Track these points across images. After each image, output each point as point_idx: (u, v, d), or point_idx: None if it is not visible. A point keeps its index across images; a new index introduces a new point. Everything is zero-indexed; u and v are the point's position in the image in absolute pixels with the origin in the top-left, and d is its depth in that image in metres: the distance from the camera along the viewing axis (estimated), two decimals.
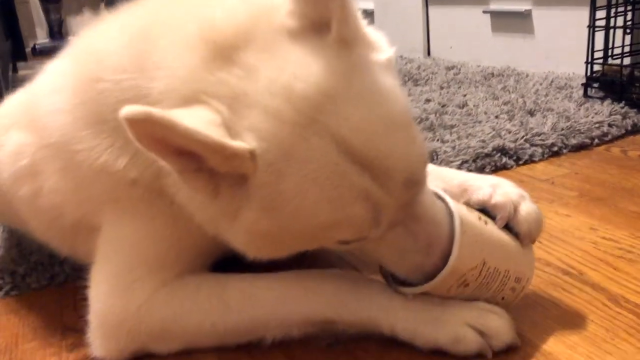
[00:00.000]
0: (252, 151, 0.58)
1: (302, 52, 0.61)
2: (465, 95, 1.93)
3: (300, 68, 0.60)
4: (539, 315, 0.79)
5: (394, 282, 0.73)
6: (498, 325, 0.71)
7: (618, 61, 1.71)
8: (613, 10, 1.69)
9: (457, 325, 0.71)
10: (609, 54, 1.73)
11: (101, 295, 0.76)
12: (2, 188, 0.90)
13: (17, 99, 0.97)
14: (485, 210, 0.76)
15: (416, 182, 0.65)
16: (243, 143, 0.58)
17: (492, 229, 0.73)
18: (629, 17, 1.70)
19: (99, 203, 0.77)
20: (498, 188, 0.76)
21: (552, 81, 2.00)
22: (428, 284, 0.69)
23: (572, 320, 0.77)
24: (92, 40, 0.78)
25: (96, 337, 0.76)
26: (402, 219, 0.66)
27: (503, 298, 0.74)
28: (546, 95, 1.82)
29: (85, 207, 0.79)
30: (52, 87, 0.80)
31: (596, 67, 1.76)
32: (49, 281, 0.99)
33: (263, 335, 0.75)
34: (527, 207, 0.76)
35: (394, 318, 0.72)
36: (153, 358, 0.76)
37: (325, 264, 0.90)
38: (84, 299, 0.80)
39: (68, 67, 0.79)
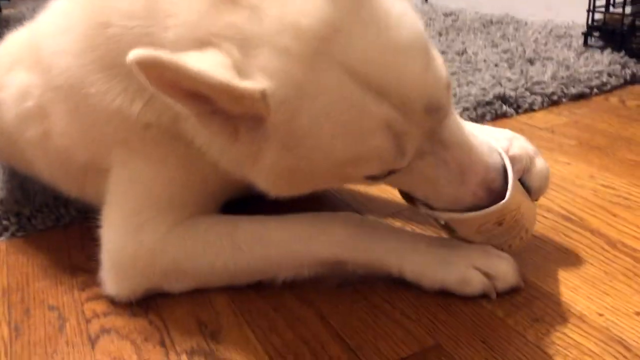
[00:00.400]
0: (263, 91, 0.57)
1: None
2: (464, 43, 1.91)
3: (304, 3, 0.59)
4: (541, 259, 0.81)
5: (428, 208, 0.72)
6: (503, 268, 0.73)
7: (619, 10, 1.70)
8: None
9: (464, 267, 0.73)
10: (611, 2, 1.71)
11: (113, 236, 0.77)
12: (7, 129, 0.89)
13: (18, 38, 0.95)
14: None
15: (438, 107, 0.63)
16: (253, 83, 0.58)
17: None
18: None
19: (109, 144, 0.77)
20: (515, 140, 0.77)
21: (551, 30, 1.98)
22: (476, 213, 0.68)
23: (572, 264, 0.79)
24: None
25: (109, 276, 0.77)
26: (431, 147, 0.65)
27: (510, 246, 0.75)
28: (545, 44, 1.81)
29: (94, 148, 0.79)
30: (57, 28, 0.78)
31: (597, 16, 1.74)
32: (54, 222, 1.00)
33: (274, 275, 0.77)
34: (540, 164, 0.77)
35: (403, 260, 0.74)
36: (166, 297, 0.78)
37: (334, 207, 0.91)
38: (91, 240, 0.81)
39: (76, 9, 0.77)
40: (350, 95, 0.59)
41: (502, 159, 0.70)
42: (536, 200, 0.79)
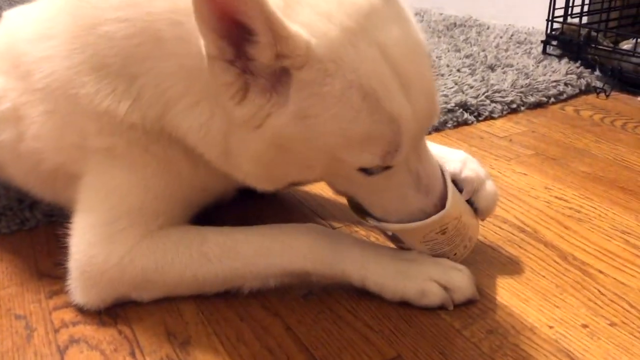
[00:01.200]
0: (308, 41, 0.59)
1: None
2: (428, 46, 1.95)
3: None
4: (496, 270, 0.85)
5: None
6: (460, 281, 0.77)
7: (577, 20, 1.76)
8: None
9: (423, 280, 0.76)
10: (569, 12, 1.77)
11: (83, 245, 0.77)
12: None
13: None
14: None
15: (434, 112, 0.69)
16: (302, 30, 0.59)
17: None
18: None
19: (86, 150, 0.77)
20: (468, 163, 0.83)
21: (512, 35, 2.04)
22: (423, 222, 0.73)
23: (526, 276, 0.84)
24: None
25: (77, 285, 0.78)
26: (410, 156, 0.69)
27: (455, 254, 0.80)
28: (506, 50, 1.87)
29: (67, 152, 0.79)
30: (40, 33, 0.78)
31: (556, 25, 1.81)
32: (19, 226, 0.99)
33: (241, 285, 0.79)
34: (489, 186, 0.83)
35: (365, 271, 0.77)
36: (135, 305, 0.79)
37: (300, 218, 0.94)
38: (58, 245, 0.81)
39: (60, 13, 0.77)
40: (382, 76, 0.63)
41: (443, 172, 0.76)
42: (483, 219, 0.84)
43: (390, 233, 0.78)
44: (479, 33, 2.09)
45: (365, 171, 0.69)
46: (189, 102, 0.70)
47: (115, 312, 0.78)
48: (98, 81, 0.73)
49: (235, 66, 0.62)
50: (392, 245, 0.81)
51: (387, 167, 0.69)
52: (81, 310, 0.79)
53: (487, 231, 0.95)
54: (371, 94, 0.62)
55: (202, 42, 0.61)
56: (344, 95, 0.62)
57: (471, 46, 1.93)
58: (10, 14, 1.22)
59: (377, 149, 0.66)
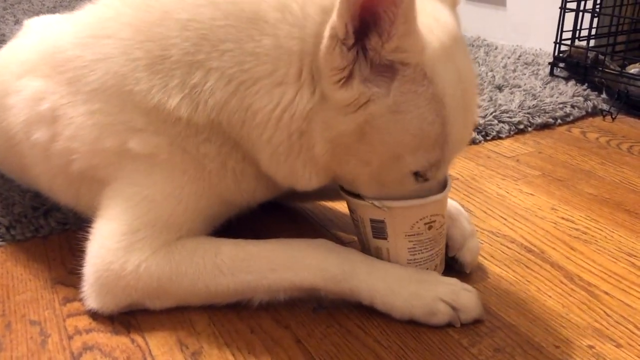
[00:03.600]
0: (425, 43, 0.67)
1: (435, 3, 0.74)
2: None
3: (440, 12, 0.73)
4: (503, 289, 0.87)
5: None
6: (468, 301, 0.78)
7: (584, 43, 1.78)
8: None
9: (431, 300, 0.78)
10: (576, 35, 1.80)
11: (102, 251, 0.78)
12: (11, 133, 0.90)
13: (25, 45, 0.96)
14: None
15: (469, 141, 0.80)
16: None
17: None
18: (598, 0, 1.77)
19: (122, 155, 0.78)
20: (456, 222, 0.90)
21: (520, 56, 2.07)
22: (421, 200, 0.78)
23: (532, 296, 0.85)
24: None
25: (92, 291, 0.79)
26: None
27: (436, 266, 0.83)
28: (514, 70, 1.89)
29: (102, 156, 0.80)
30: (92, 35, 0.81)
31: (563, 47, 1.83)
32: (33, 233, 1.01)
33: (251, 298, 0.80)
34: (473, 244, 0.90)
35: (374, 291, 0.78)
36: (147, 313, 0.80)
37: (310, 232, 0.95)
38: (71, 253, 0.82)
39: (113, 13, 0.80)
40: (457, 96, 0.71)
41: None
42: (469, 272, 0.89)
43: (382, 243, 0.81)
44: (487, 53, 2.12)
45: (417, 175, 0.76)
46: (272, 82, 0.72)
47: (128, 320, 0.80)
48: (153, 76, 0.75)
49: (351, 52, 0.67)
50: (402, 263, 0.82)
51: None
52: (94, 317, 0.80)
53: (495, 250, 0.96)
54: (447, 108, 0.70)
55: (329, 24, 0.66)
56: (433, 100, 0.70)
57: (479, 66, 1.95)
58: (32, 22, 1.26)
59: (434, 154, 0.73)
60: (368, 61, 0.68)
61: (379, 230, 0.80)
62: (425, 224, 0.79)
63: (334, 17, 0.65)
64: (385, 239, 0.80)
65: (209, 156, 0.78)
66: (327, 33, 0.67)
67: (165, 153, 0.77)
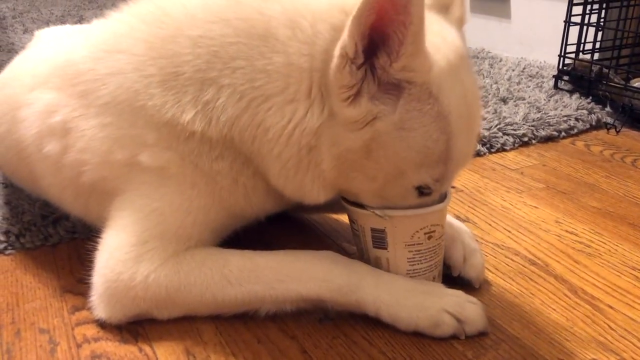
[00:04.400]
0: (433, 63, 0.69)
1: (442, 22, 0.76)
2: None
3: (447, 31, 0.75)
4: (508, 302, 0.87)
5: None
6: (473, 314, 0.79)
7: (588, 56, 1.80)
8: (588, 7, 1.76)
9: (436, 312, 0.78)
10: (581, 49, 1.81)
11: (111, 262, 0.79)
12: (22, 145, 0.91)
13: (38, 58, 0.98)
14: None
15: (472, 158, 0.81)
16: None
17: None
18: (602, 14, 1.78)
19: (133, 167, 0.79)
20: (456, 242, 0.90)
21: (524, 68, 2.08)
22: (422, 210, 0.79)
23: (536, 308, 0.86)
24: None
25: (101, 300, 0.80)
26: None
27: (434, 278, 0.84)
28: (518, 83, 1.90)
29: (112, 168, 0.81)
30: (105, 50, 0.82)
31: (567, 60, 1.84)
32: (42, 242, 1.02)
33: (258, 309, 0.81)
34: (476, 262, 0.90)
35: (379, 302, 0.79)
36: (154, 323, 0.81)
37: (315, 242, 0.96)
38: (79, 262, 0.84)
39: (127, 29, 0.82)
40: (462, 114, 0.73)
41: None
42: (477, 287, 0.90)
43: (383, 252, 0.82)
44: (491, 65, 2.13)
45: (420, 190, 0.77)
46: (283, 99, 0.73)
47: (136, 329, 0.81)
48: (166, 92, 0.76)
49: (359, 70, 0.69)
50: (401, 273, 0.83)
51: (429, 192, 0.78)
52: (103, 326, 0.81)
53: (499, 263, 0.97)
54: (452, 125, 0.72)
55: (339, 43, 0.68)
56: (438, 118, 0.71)
57: (484, 78, 1.96)
58: (42, 33, 1.27)
59: (437, 170, 0.75)
60: (376, 79, 0.70)
61: (380, 239, 0.81)
62: (425, 233, 0.80)
63: (344, 37, 0.67)
64: (386, 248, 0.81)
65: (221, 173, 0.79)
66: (337, 52, 0.68)
67: (176, 167, 0.78)
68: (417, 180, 0.75)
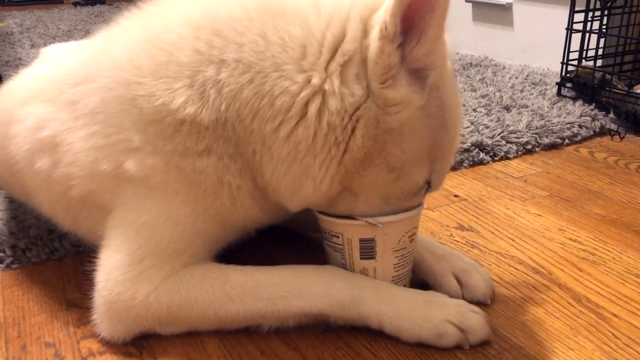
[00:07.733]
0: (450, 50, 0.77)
1: None
2: None
3: None
4: (511, 311, 0.87)
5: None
6: (476, 323, 0.79)
7: (591, 63, 1.80)
8: (590, 14, 1.77)
9: (439, 322, 0.78)
10: (583, 55, 1.81)
11: (110, 282, 0.79)
12: (14, 161, 0.92)
13: (32, 73, 0.99)
14: None
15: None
16: None
17: None
18: (604, 21, 1.78)
19: (119, 179, 0.79)
20: (448, 260, 0.91)
21: (527, 75, 2.08)
22: (401, 214, 0.81)
23: (540, 317, 0.86)
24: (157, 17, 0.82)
25: (103, 320, 0.80)
26: None
27: (405, 285, 0.86)
28: (522, 90, 1.90)
29: (99, 180, 0.80)
30: (96, 53, 0.84)
31: (570, 68, 1.84)
32: (48, 256, 1.03)
33: (261, 323, 0.81)
34: (473, 282, 0.89)
35: (382, 315, 0.79)
36: (159, 337, 0.82)
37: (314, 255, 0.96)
38: (85, 275, 0.84)
39: (121, 29, 0.84)
40: (459, 104, 0.81)
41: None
42: (488, 303, 0.89)
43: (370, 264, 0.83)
44: (494, 73, 2.13)
45: (429, 185, 0.81)
46: (299, 67, 0.72)
47: (140, 343, 0.81)
48: (157, 80, 0.75)
49: (397, 52, 0.70)
50: (387, 280, 0.84)
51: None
52: (108, 340, 0.82)
53: (503, 272, 0.97)
54: (454, 117, 0.78)
55: (379, 25, 0.69)
56: (452, 107, 0.77)
57: (487, 86, 1.97)
58: (48, 49, 1.29)
59: (445, 165, 0.81)
60: (405, 64, 0.72)
61: (368, 249, 0.82)
62: (409, 237, 0.82)
63: (385, 18, 0.67)
64: (374, 258, 0.82)
65: (205, 172, 0.77)
66: (376, 35, 0.69)
67: (160, 174, 0.77)
68: (428, 173, 0.79)
